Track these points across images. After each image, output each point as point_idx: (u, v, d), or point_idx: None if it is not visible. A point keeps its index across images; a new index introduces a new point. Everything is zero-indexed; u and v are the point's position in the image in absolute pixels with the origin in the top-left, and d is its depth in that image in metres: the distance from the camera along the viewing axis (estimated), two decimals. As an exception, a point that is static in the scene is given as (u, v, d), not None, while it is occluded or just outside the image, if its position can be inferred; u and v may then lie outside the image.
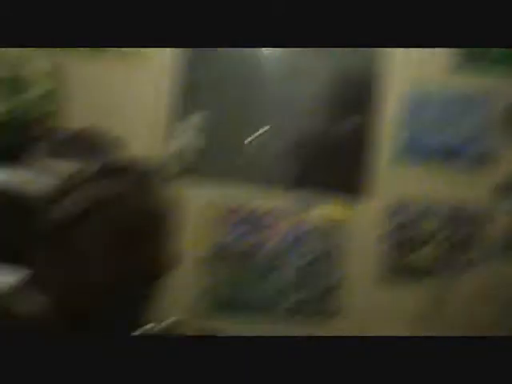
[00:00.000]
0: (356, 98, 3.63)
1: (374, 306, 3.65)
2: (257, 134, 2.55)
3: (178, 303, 2.10)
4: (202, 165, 3.42)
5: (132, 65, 3.37)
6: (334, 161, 3.62)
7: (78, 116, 3.23)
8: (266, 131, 3.04)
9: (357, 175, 3.60)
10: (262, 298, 3.63)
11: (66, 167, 1.10)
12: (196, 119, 3.43)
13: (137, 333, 1.01)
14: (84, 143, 1.14)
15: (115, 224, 1.08)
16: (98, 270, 1.05)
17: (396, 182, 3.55)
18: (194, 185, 3.37)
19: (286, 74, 3.59)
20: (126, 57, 3.38)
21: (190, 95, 3.47)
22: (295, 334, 3.64)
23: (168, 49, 3.37)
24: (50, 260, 1.08)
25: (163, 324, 1.11)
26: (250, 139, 2.59)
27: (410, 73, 3.53)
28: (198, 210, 3.40)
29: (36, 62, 3.22)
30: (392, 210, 3.58)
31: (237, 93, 3.52)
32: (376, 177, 3.53)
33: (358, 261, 3.64)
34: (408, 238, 3.62)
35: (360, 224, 3.59)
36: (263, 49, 3.51)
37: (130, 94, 3.39)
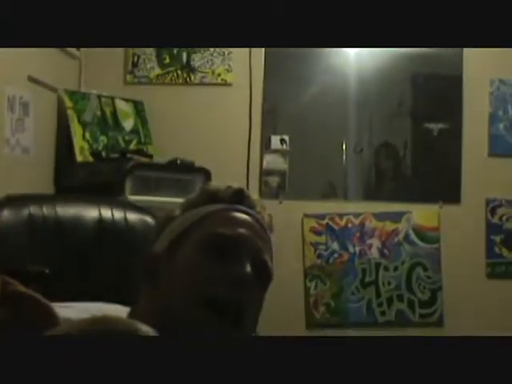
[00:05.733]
0: (441, 102, 3.54)
1: (480, 307, 3.48)
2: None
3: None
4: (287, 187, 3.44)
5: (211, 93, 3.46)
6: (423, 167, 3.53)
7: (166, 149, 3.32)
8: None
9: (445, 180, 3.49)
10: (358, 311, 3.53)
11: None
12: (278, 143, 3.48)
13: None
14: None
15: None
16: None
17: (483, 182, 3.44)
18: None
19: (368, 76, 3.54)
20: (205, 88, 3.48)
21: (271, 120, 3.51)
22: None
23: (247, 76, 3.42)
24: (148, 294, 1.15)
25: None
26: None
27: (491, 72, 3.44)
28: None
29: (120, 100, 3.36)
30: (491, 207, 3.46)
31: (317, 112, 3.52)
32: (464, 179, 3.43)
33: (458, 263, 3.50)
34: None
35: (455, 227, 3.47)
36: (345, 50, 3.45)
37: (211, 125, 3.47)
